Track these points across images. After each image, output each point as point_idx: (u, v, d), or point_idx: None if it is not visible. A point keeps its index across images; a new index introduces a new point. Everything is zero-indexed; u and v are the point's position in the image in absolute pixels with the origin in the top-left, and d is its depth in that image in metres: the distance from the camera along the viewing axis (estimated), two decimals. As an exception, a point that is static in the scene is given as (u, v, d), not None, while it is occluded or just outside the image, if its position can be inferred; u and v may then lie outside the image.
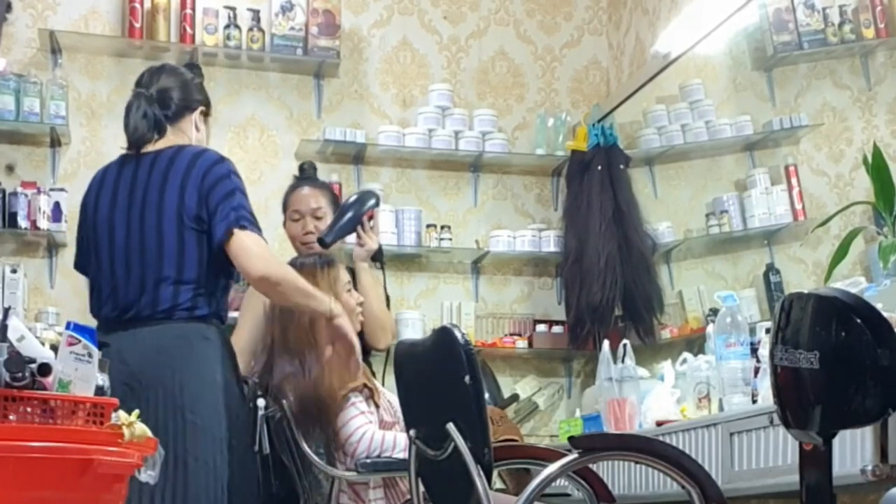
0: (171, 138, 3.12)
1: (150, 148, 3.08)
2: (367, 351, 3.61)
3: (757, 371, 3.35)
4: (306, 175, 4.02)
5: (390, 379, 3.00)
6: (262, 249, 2.99)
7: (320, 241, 3.70)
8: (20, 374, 1.92)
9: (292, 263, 3.45)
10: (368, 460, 3.07)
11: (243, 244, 2.95)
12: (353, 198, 3.90)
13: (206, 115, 3.23)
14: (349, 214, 3.76)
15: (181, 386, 2.82)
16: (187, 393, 2.82)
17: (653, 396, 3.84)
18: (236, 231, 2.94)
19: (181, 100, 3.15)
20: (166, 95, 3.14)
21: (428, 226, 5.10)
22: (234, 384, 3.00)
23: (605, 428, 3.86)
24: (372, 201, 3.84)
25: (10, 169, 4.72)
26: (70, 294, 4.63)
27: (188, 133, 3.15)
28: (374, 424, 3.13)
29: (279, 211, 4.92)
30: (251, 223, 2.98)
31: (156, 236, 2.98)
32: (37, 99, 4.63)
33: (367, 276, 3.73)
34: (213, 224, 2.96)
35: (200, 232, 2.98)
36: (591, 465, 2.78)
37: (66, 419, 1.96)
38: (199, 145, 3.15)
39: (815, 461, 1.92)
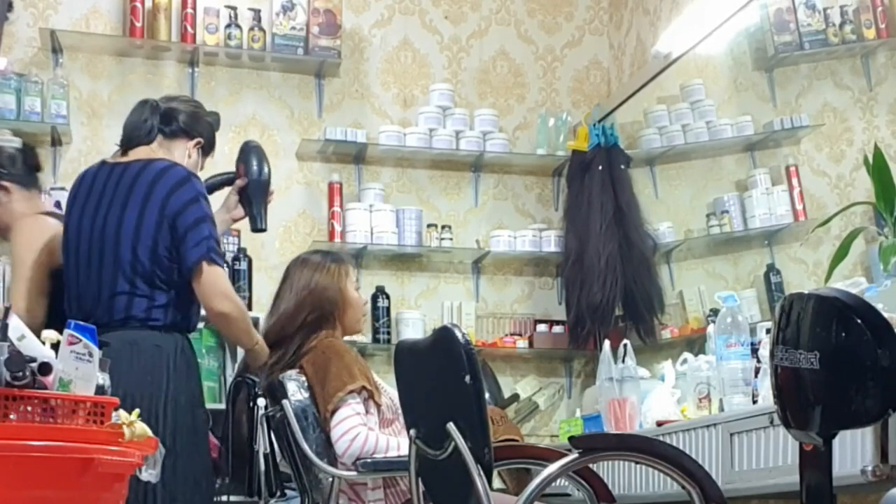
0: (156, 151, 3.23)
1: (132, 155, 3.20)
2: None
3: (757, 371, 3.35)
4: None
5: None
6: (227, 286, 3.14)
7: (257, 230, 3.67)
8: (21, 373, 1.92)
9: (299, 258, 3.46)
10: (368, 460, 3.07)
11: (211, 279, 3.07)
12: (250, 167, 3.61)
13: (204, 151, 3.35)
14: (258, 187, 3.61)
15: (124, 392, 2.69)
16: (129, 400, 2.70)
17: (653, 396, 3.84)
18: (205, 265, 3.05)
19: (184, 123, 3.29)
20: (172, 114, 3.29)
21: (428, 225, 5.10)
22: (186, 391, 3.06)
23: (605, 428, 3.86)
24: (266, 166, 3.65)
25: None
26: (71, 293, 4.63)
27: (176, 155, 3.26)
28: (366, 427, 3.12)
29: (280, 209, 4.94)
30: (218, 256, 3.10)
31: (113, 250, 3.09)
32: (38, 98, 4.63)
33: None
34: (184, 250, 3.06)
35: (156, 249, 3.06)
36: (591, 465, 2.78)
37: (66, 418, 1.96)
38: (171, 161, 3.20)
39: (816, 461, 1.92)
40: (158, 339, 3.04)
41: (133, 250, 3.06)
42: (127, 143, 3.24)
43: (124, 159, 3.21)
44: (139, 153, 3.20)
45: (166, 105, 3.31)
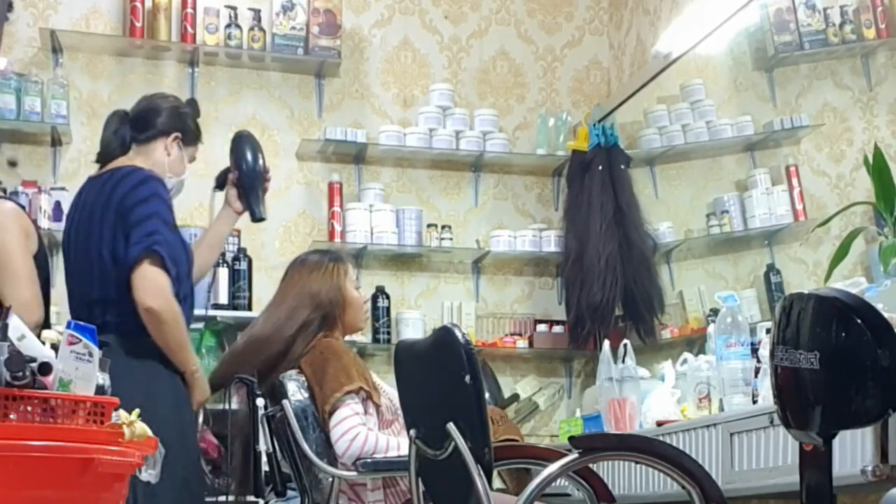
0: (134, 159, 3.24)
1: (111, 166, 3.22)
2: None
3: (757, 371, 3.35)
4: None
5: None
6: (164, 283, 3.02)
7: (256, 220, 3.63)
8: (21, 373, 1.92)
9: (298, 259, 3.46)
10: (368, 460, 3.06)
11: (147, 275, 3.00)
12: (240, 159, 3.60)
13: (186, 142, 3.32)
14: (250, 177, 3.58)
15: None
16: None
17: (653, 396, 3.84)
18: (145, 262, 3.00)
19: (160, 124, 3.27)
20: (144, 118, 3.28)
21: (429, 225, 5.10)
22: (171, 390, 3.05)
23: (605, 428, 3.86)
24: (258, 154, 3.62)
25: (12, 164, 4.73)
26: (71, 293, 4.63)
27: (154, 156, 3.26)
28: (366, 427, 3.12)
29: (280, 209, 4.94)
30: (163, 255, 3.02)
31: (87, 258, 3.13)
32: (38, 98, 4.64)
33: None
34: (128, 246, 3.04)
35: (117, 254, 3.06)
36: (591, 465, 2.78)
37: (66, 418, 1.96)
38: (156, 169, 3.20)
39: (816, 461, 1.92)
40: (127, 344, 3.01)
41: (100, 256, 3.09)
42: (103, 159, 3.27)
43: (102, 171, 3.24)
44: (116, 164, 3.23)
45: (137, 111, 3.31)
